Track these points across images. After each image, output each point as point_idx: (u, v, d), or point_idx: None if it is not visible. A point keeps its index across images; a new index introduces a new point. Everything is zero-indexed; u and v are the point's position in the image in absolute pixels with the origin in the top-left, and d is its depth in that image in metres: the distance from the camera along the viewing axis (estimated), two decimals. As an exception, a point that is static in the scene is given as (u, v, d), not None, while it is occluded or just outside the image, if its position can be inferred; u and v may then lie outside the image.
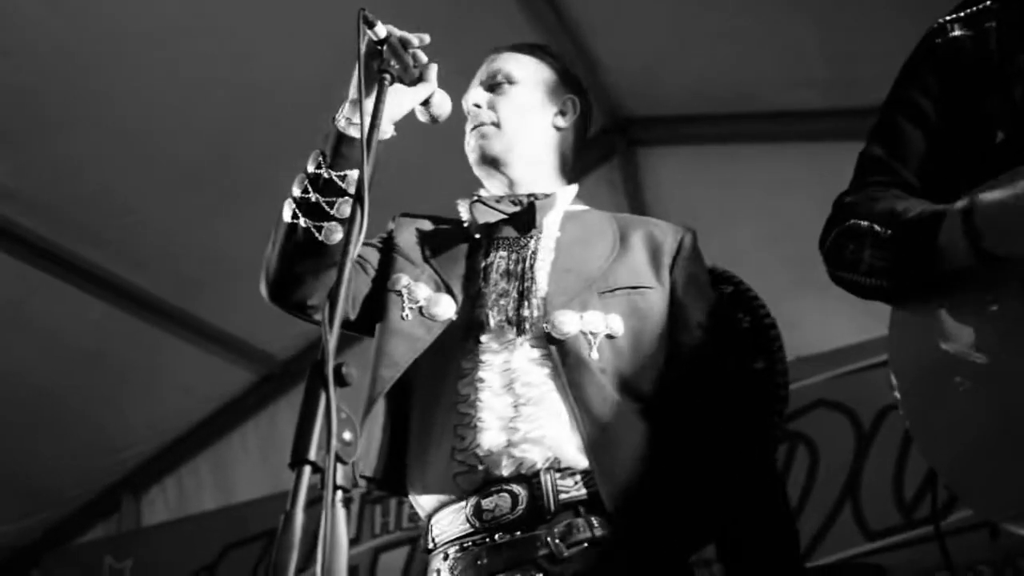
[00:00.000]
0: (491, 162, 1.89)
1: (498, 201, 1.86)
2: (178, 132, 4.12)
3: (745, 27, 4.25)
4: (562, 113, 1.98)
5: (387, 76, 1.59)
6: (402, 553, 4.93)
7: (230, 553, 5.32)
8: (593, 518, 1.59)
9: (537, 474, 1.60)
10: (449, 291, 1.76)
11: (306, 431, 1.02)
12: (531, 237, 1.79)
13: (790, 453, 4.45)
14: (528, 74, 1.96)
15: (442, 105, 1.78)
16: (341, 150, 1.63)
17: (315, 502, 0.98)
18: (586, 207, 1.96)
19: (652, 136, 5.16)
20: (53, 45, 3.62)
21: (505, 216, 1.82)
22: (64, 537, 5.72)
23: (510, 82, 1.93)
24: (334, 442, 1.00)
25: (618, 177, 5.17)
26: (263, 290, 1.75)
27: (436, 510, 1.69)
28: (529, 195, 1.86)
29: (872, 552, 4.10)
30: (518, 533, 1.59)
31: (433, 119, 1.79)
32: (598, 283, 1.75)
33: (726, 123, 4.93)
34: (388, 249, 1.87)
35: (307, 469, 1.00)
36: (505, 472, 1.61)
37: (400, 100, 1.69)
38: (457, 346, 1.72)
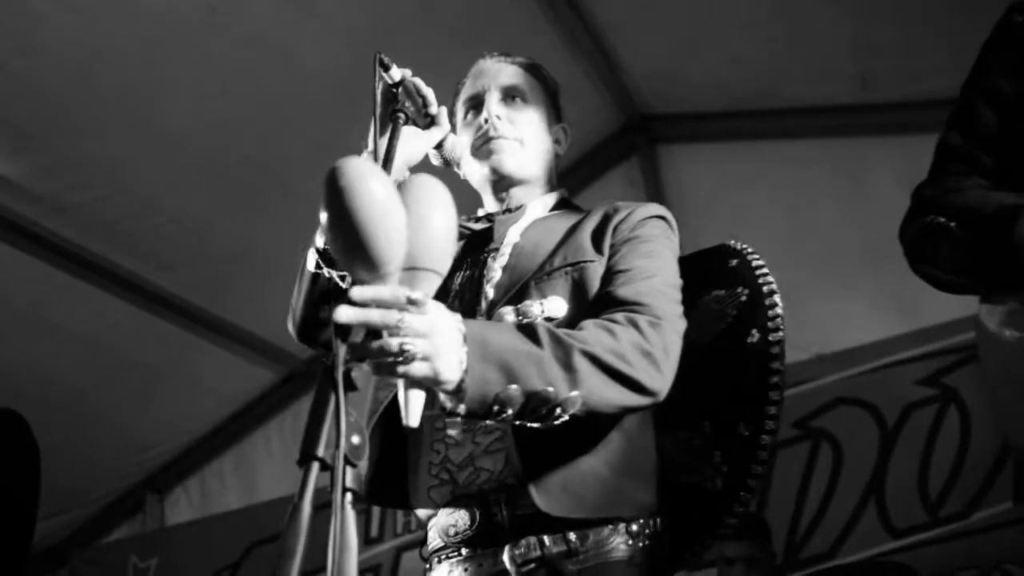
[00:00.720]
0: (503, 177, 1.90)
1: (476, 221, 1.91)
2: (204, 133, 4.14)
3: (766, 22, 4.23)
4: (557, 141, 2.03)
5: (401, 116, 1.65)
6: (424, 552, 4.95)
7: (253, 552, 5.35)
8: (545, 535, 1.57)
9: (496, 488, 1.62)
10: None
11: (315, 430, 1.03)
12: (487, 254, 1.82)
13: (813, 451, 4.42)
14: (538, 96, 1.99)
15: (455, 149, 1.82)
16: None
17: (326, 506, 0.99)
18: (561, 211, 1.93)
19: (673, 133, 5.15)
20: (74, 46, 3.65)
21: (469, 232, 1.88)
22: (90, 537, 5.77)
23: (524, 100, 1.95)
24: (343, 442, 1.01)
25: (638, 175, 5.16)
26: (292, 332, 1.82)
27: (428, 519, 1.73)
28: (504, 210, 1.90)
29: (897, 550, 4.07)
30: (479, 549, 1.61)
31: (447, 163, 1.84)
32: (536, 273, 1.73)
33: (747, 119, 4.91)
34: None
35: (315, 465, 1.02)
36: (468, 486, 1.64)
37: (414, 144, 1.72)
38: None
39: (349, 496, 1.03)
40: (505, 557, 1.58)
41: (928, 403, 4.27)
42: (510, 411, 1.40)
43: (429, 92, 1.71)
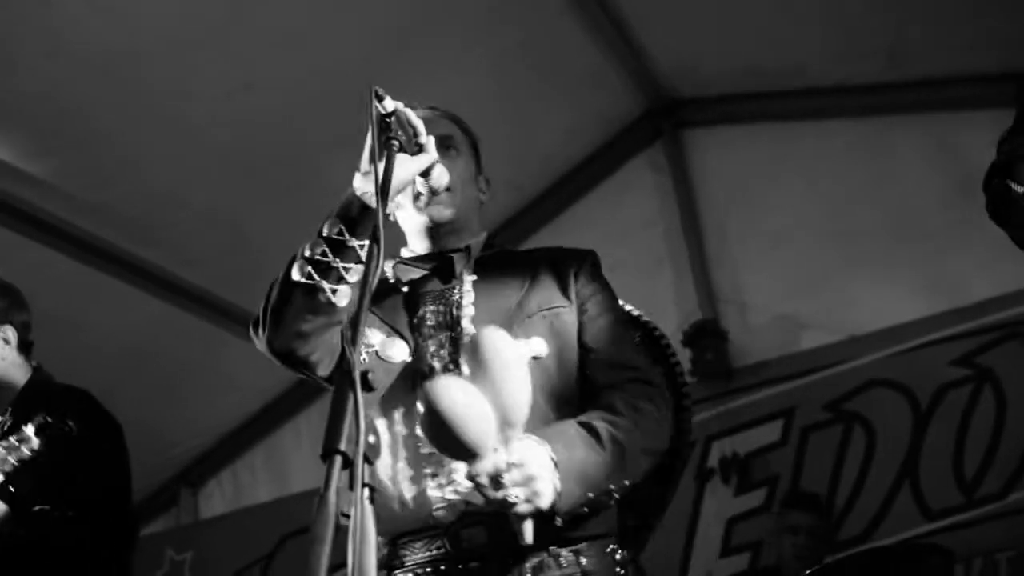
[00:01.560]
0: (436, 226, 1.98)
1: (417, 259, 1.99)
2: (229, 128, 4.16)
3: (791, 1, 4.19)
4: (481, 191, 2.12)
5: (395, 144, 1.71)
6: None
7: (287, 543, 5.39)
8: (562, 554, 1.69)
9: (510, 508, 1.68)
10: (402, 336, 1.87)
11: (335, 426, 1.10)
12: (453, 288, 1.92)
13: (846, 433, 4.39)
14: (465, 146, 2.08)
15: (441, 178, 1.88)
16: (363, 219, 1.72)
17: (342, 516, 1.03)
18: (494, 249, 2.06)
19: (698, 117, 5.12)
20: (100, 45, 3.67)
21: (426, 271, 1.96)
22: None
23: (456, 150, 2.04)
24: (362, 439, 1.07)
25: (663, 160, 5.13)
26: (263, 343, 1.82)
27: (403, 534, 1.77)
28: (449, 251, 1.98)
29: (933, 532, 4.04)
30: (490, 563, 1.69)
31: (433, 191, 1.90)
32: (515, 314, 1.86)
33: (773, 101, 4.88)
34: None
35: (338, 459, 1.08)
36: (483, 505, 1.67)
37: (404, 169, 1.76)
38: (408, 392, 1.80)
39: (367, 491, 1.09)
40: (524, 572, 1.67)
41: (962, 384, 4.23)
42: (586, 510, 1.68)
43: (419, 123, 1.77)
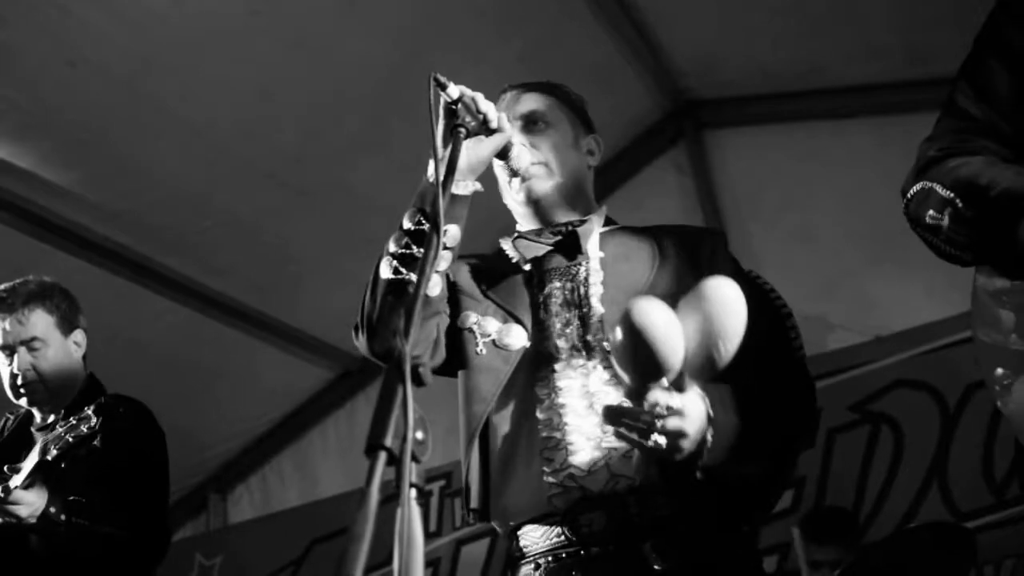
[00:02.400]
0: (536, 202, 1.94)
1: (538, 234, 1.94)
2: (250, 135, 4.19)
3: (807, 1, 4.18)
4: (590, 152, 2.07)
5: (462, 131, 1.69)
6: (483, 545, 4.97)
7: (315, 548, 5.42)
8: (684, 534, 1.66)
9: (631, 490, 1.68)
10: (518, 321, 1.84)
11: (382, 421, 1.07)
12: (579, 264, 1.88)
13: (873, 435, 4.36)
14: (559, 116, 2.02)
15: (520, 158, 1.87)
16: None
17: (390, 499, 1.01)
18: (615, 224, 2.02)
19: (719, 117, 5.11)
20: (121, 55, 3.71)
21: (550, 247, 1.91)
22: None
23: (546, 123, 1.99)
24: (410, 435, 1.04)
25: (685, 160, 5.13)
26: (364, 346, 1.79)
27: (522, 524, 1.76)
28: (566, 224, 1.94)
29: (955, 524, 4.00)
30: (612, 548, 1.66)
31: (513, 172, 1.89)
32: (647, 294, 1.80)
33: (795, 100, 4.86)
34: (451, 291, 1.94)
35: (382, 455, 1.05)
36: (602, 489, 1.68)
37: (479, 150, 1.76)
38: (527, 375, 1.80)
39: (413, 491, 1.05)
40: (649, 553, 1.63)
41: (991, 383, 4.19)
42: (722, 473, 1.65)
43: (488, 106, 1.75)
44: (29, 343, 2.76)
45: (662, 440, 1.51)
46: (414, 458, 1.04)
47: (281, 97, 4.10)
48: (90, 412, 2.51)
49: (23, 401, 2.81)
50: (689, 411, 1.54)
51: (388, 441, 1.04)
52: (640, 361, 1.49)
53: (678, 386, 1.54)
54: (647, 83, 4.82)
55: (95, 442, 2.54)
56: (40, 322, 2.79)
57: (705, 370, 1.54)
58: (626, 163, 5.11)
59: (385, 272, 1.71)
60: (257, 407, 5.65)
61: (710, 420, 1.58)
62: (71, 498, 2.55)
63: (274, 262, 4.80)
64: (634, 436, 1.53)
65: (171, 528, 2.86)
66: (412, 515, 1.02)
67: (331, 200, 4.49)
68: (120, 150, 4.06)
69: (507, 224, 2.05)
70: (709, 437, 1.57)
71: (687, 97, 5.05)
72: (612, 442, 1.68)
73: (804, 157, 4.82)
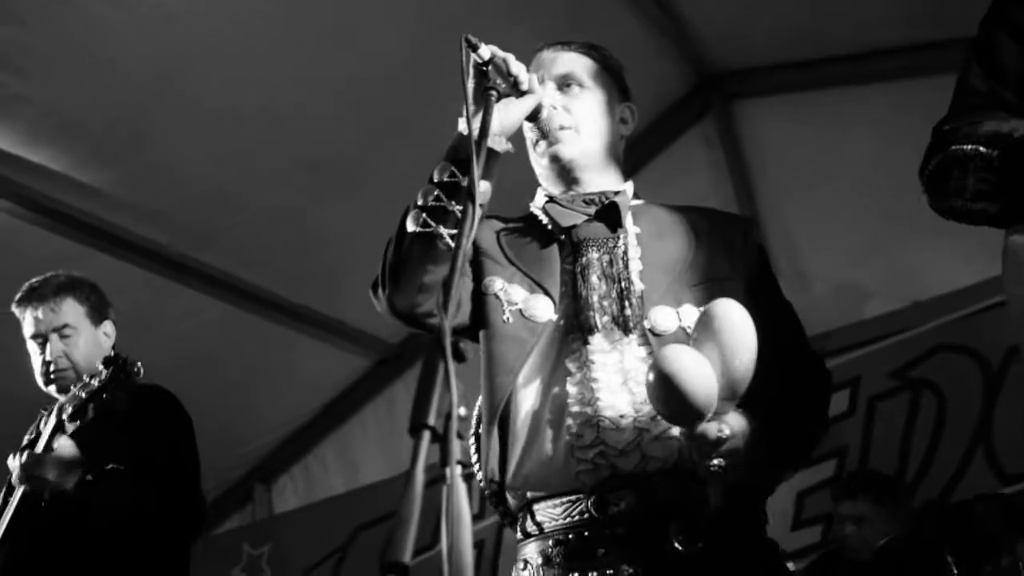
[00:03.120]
0: (563, 164, 1.89)
1: (571, 201, 1.87)
2: (279, 126, 4.22)
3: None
4: (623, 121, 2.00)
5: (494, 93, 1.67)
6: (527, 526, 4.99)
7: (360, 534, 5.47)
8: (712, 517, 1.62)
9: (662, 471, 1.65)
10: (546, 293, 1.78)
11: (424, 399, 1.06)
12: (618, 236, 1.82)
13: (915, 401, 4.32)
14: (596, 79, 1.95)
15: (551, 120, 1.84)
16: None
17: (436, 481, 1.00)
18: (642, 200, 1.96)
19: (747, 88, 5.06)
20: (149, 54, 3.74)
21: (588, 217, 1.85)
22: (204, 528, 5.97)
23: (581, 85, 1.92)
24: (454, 412, 1.02)
25: (714, 133, 5.09)
26: (385, 303, 1.74)
27: (538, 499, 1.72)
28: (600, 193, 1.88)
29: (1010, 496, 3.96)
30: (639, 528, 1.63)
31: (544, 133, 1.85)
32: (685, 276, 1.79)
33: (822, 67, 4.80)
34: (474, 252, 1.89)
35: (426, 435, 1.04)
36: (632, 469, 1.66)
37: (510, 112, 1.73)
38: (558, 348, 1.75)
39: (459, 469, 1.04)
40: (677, 534, 1.62)
41: (1034, 343, 4.14)
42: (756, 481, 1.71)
43: (519, 68, 1.72)
44: (61, 330, 2.83)
45: (718, 462, 1.56)
46: (459, 435, 1.03)
47: (310, 87, 4.11)
48: (99, 366, 2.60)
49: (53, 389, 2.86)
50: (737, 432, 1.58)
51: (431, 420, 1.03)
52: (676, 409, 1.54)
53: (719, 412, 1.58)
54: (672, 57, 4.79)
55: (107, 378, 2.60)
56: (71, 311, 2.86)
57: (731, 392, 1.57)
58: (653, 140, 5.08)
59: (412, 225, 1.67)
60: (297, 398, 5.70)
61: (755, 440, 1.62)
62: (105, 465, 2.61)
63: (308, 253, 4.83)
64: (703, 464, 1.58)
65: (205, 505, 2.90)
66: (459, 493, 1.02)
67: (362, 188, 4.50)
68: (152, 149, 4.10)
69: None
70: (752, 457, 1.62)
71: (713, 69, 5.01)
72: (645, 422, 1.66)
73: (835, 124, 4.76)
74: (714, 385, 1.53)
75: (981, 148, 1.55)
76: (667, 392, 1.51)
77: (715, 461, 1.55)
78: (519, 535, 1.75)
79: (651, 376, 1.53)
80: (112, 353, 2.72)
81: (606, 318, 1.74)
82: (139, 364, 2.65)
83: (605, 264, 1.79)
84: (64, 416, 2.65)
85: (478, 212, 1.37)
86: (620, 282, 1.76)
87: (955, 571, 2.92)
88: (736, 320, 1.56)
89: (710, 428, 1.54)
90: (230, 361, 5.18)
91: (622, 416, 1.67)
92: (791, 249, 4.77)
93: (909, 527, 3.46)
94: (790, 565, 3.42)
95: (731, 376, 1.55)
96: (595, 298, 1.75)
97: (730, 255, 1.83)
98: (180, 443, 2.82)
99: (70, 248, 4.23)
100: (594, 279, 1.77)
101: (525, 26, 4.09)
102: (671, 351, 1.54)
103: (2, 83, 3.61)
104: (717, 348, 1.54)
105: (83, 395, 2.62)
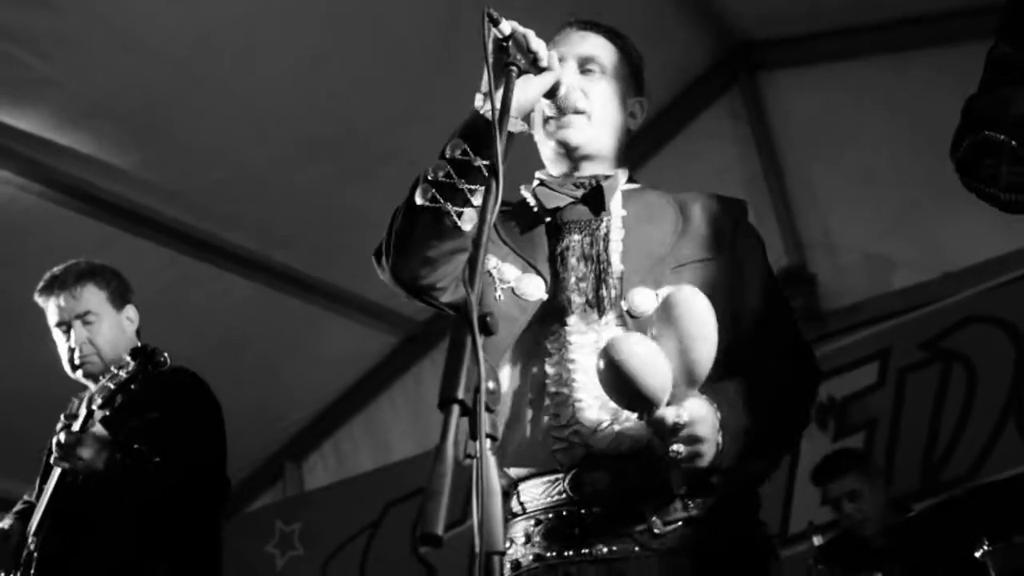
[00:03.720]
0: (571, 149, 1.88)
1: (561, 184, 1.88)
2: (302, 106, 4.23)
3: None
4: (632, 115, 1.98)
5: (514, 69, 1.65)
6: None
7: (391, 510, 5.52)
8: (689, 499, 1.64)
9: (636, 452, 1.65)
10: (538, 272, 1.79)
11: (453, 373, 1.06)
12: (601, 219, 1.82)
13: (945, 373, 4.30)
14: (616, 68, 1.94)
15: (568, 98, 1.82)
16: (487, 137, 1.60)
17: (465, 458, 1.01)
18: (638, 185, 1.96)
19: (774, 59, 5.01)
20: (172, 36, 3.76)
21: (574, 199, 1.85)
22: (236, 507, 6.04)
23: (602, 72, 1.91)
24: (483, 386, 1.03)
25: (740, 106, 5.04)
26: (387, 272, 1.76)
27: (523, 479, 1.74)
28: (591, 177, 1.88)
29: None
30: (614, 508, 1.64)
31: (561, 111, 1.84)
32: (668, 259, 1.78)
33: (849, 37, 4.74)
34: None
35: (456, 408, 1.04)
36: (606, 448, 1.66)
37: (527, 90, 1.71)
38: (538, 328, 1.76)
39: (489, 442, 1.05)
40: (651, 515, 1.63)
41: (1066, 312, 4.10)
42: (735, 468, 1.65)
43: (539, 45, 1.70)
44: (83, 316, 2.87)
45: (679, 448, 1.53)
46: (488, 408, 1.04)
47: (334, 67, 4.12)
48: (127, 358, 2.63)
49: (79, 375, 2.91)
50: (697, 417, 1.54)
51: (460, 394, 1.03)
52: (628, 396, 1.51)
53: (676, 399, 1.54)
54: (696, 29, 4.74)
55: (135, 370, 2.64)
56: (93, 297, 2.90)
57: (691, 378, 1.54)
58: (679, 113, 5.04)
59: (420, 199, 1.67)
60: (326, 376, 5.74)
61: (721, 424, 1.57)
62: (132, 445, 2.67)
63: (334, 231, 4.84)
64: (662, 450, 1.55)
65: (227, 482, 2.95)
66: (489, 465, 1.02)
67: (388, 165, 4.50)
68: (178, 130, 4.13)
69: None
70: (719, 440, 1.57)
71: (738, 39, 4.96)
72: None
73: (863, 93, 4.71)
74: (666, 372, 1.51)
75: (1012, 141, 1.52)
76: (618, 380, 1.49)
77: (674, 447, 1.53)
78: (508, 515, 1.76)
79: (600, 364, 1.51)
80: (139, 344, 2.76)
81: (581, 299, 1.74)
82: (166, 354, 2.68)
83: (586, 246, 1.79)
84: (94, 406, 2.69)
85: (501, 188, 1.37)
86: (599, 263, 1.76)
87: (987, 547, 2.91)
88: (696, 307, 1.54)
89: (668, 413, 1.52)
90: (259, 340, 5.22)
91: (597, 396, 1.66)
92: (819, 220, 4.74)
93: (941, 502, 3.44)
94: (816, 540, 3.43)
95: (689, 363, 1.52)
96: (572, 279, 1.76)
97: (718, 239, 1.82)
98: (206, 424, 2.86)
99: (100, 230, 4.27)
100: (573, 260, 1.78)
101: (549, 8, 4.06)
102: (620, 339, 1.52)
103: (30, 67, 3.63)
104: (676, 334, 1.52)
105: (112, 386, 2.66)
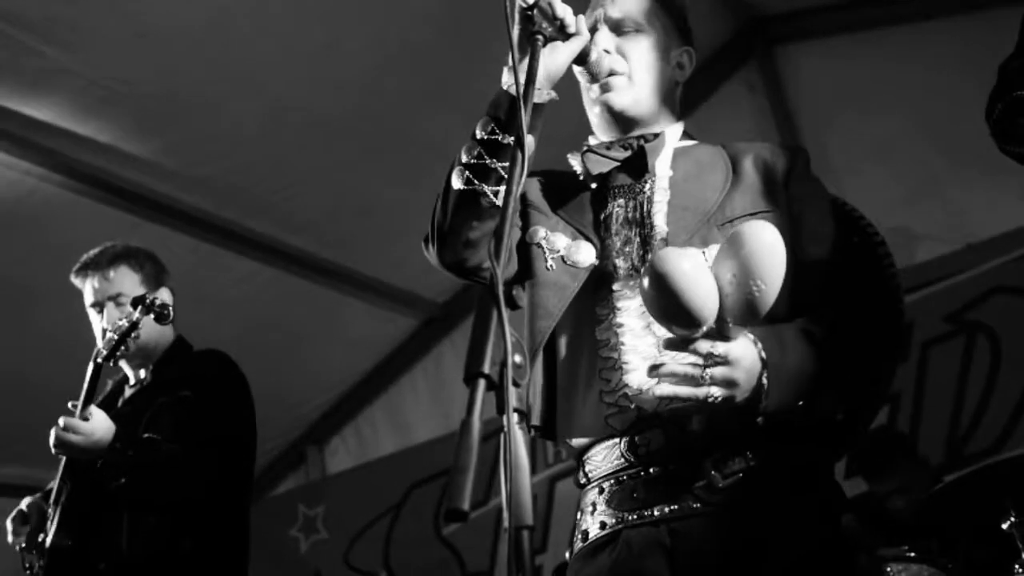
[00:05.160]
0: (616, 114, 1.86)
1: (608, 148, 1.85)
2: (319, 92, 4.22)
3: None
4: (680, 66, 1.95)
5: (540, 37, 1.63)
6: (578, 480, 5.02)
7: (413, 492, 5.55)
8: (748, 450, 1.61)
9: (686, 408, 1.61)
10: (587, 238, 1.79)
11: (479, 348, 1.05)
12: (645, 181, 1.80)
13: (969, 345, 4.26)
14: (654, 22, 1.90)
15: (600, 63, 1.80)
16: (514, 114, 1.61)
17: (493, 434, 1.00)
18: (694, 141, 1.92)
19: (791, 31, 4.97)
20: (184, 22, 3.75)
21: (617, 163, 1.83)
22: (260, 491, 6.08)
23: (638, 30, 1.87)
24: (509, 360, 1.02)
25: (758, 79, 5.01)
26: (435, 257, 1.76)
27: (587, 447, 1.74)
28: (638, 137, 1.85)
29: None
30: (672, 466, 1.62)
31: (593, 77, 1.82)
32: (716, 216, 1.74)
33: (869, 7, 4.69)
34: (522, 205, 1.89)
35: (481, 383, 1.03)
36: (656, 408, 1.65)
37: (556, 58, 1.70)
38: (589, 294, 1.75)
39: (516, 416, 1.04)
40: (709, 470, 1.60)
41: (1092, 282, 4.06)
42: (792, 416, 1.59)
43: (565, 10, 1.68)
44: (116, 298, 2.90)
45: (716, 391, 1.49)
46: (514, 383, 1.03)
47: (350, 51, 4.11)
48: (130, 308, 2.75)
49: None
50: (737, 357, 1.50)
51: (487, 368, 1.03)
52: (669, 311, 1.47)
53: (723, 334, 1.50)
54: (713, 4, 4.71)
55: (137, 317, 2.73)
56: (126, 279, 2.93)
57: (746, 314, 1.49)
58: (696, 87, 4.98)
59: (457, 183, 1.67)
60: (346, 360, 5.76)
61: (764, 364, 1.52)
62: (143, 436, 2.69)
63: (352, 216, 4.85)
64: (685, 393, 1.50)
65: (252, 462, 2.98)
66: (517, 440, 1.02)
67: (406, 150, 4.50)
68: (195, 117, 4.13)
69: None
70: (765, 381, 1.52)
71: (754, 13, 4.92)
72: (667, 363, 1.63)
73: (882, 66, 4.66)
74: (712, 293, 1.46)
75: None
76: (657, 291, 1.45)
77: (705, 389, 1.49)
78: (577, 485, 1.77)
79: (645, 278, 1.48)
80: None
81: (627, 264, 1.73)
82: (169, 306, 2.77)
83: (629, 210, 1.78)
84: (99, 359, 2.76)
85: (527, 161, 1.36)
86: (643, 227, 1.75)
87: (1013, 518, 2.89)
88: (763, 242, 1.48)
89: (702, 344, 1.48)
90: (280, 326, 5.24)
91: (645, 358, 1.65)
92: (837, 193, 4.68)
93: (967, 474, 3.42)
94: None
95: (747, 297, 1.47)
96: (618, 244, 1.75)
97: (772, 188, 1.78)
98: (236, 402, 2.89)
99: (120, 219, 4.29)
100: (616, 226, 1.77)
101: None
102: (668, 252, 1.49)
103: (48, 57, 3.64)
104: (734, 266, 1.47)
105: (116, 336, 2.73)
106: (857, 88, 4.74)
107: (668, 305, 1.46)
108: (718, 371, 1.49)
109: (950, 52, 4.45)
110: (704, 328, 1.48)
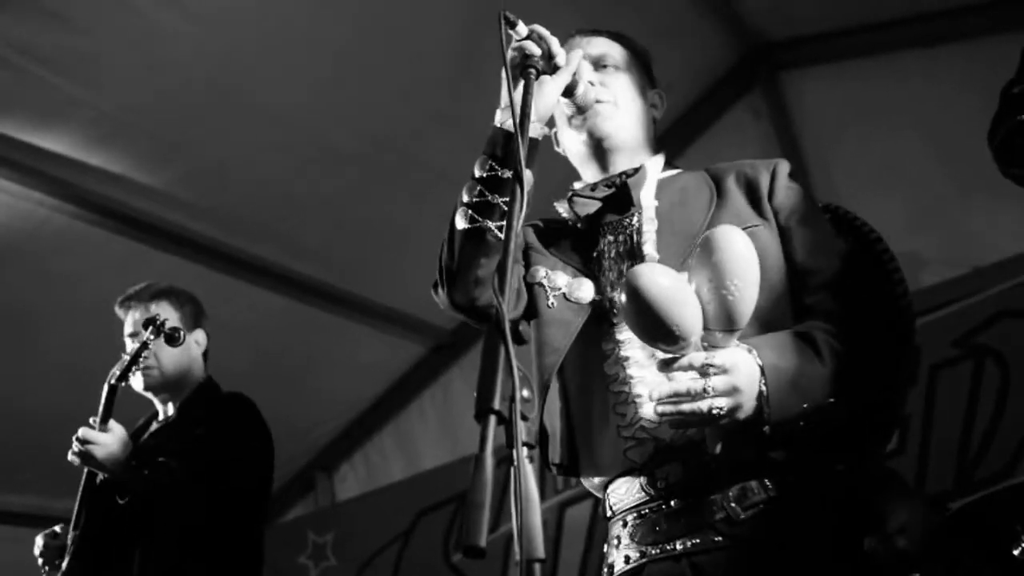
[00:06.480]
0: (599, 141, 1.90)
1: (593, 189, 1.89)
2: (325, 119, 4.26)
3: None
4: (654, 105, 2.02)
5: (532, 71, 1.67)
6: (587, 507, 5.00)
7: (422, 519, 5.53)
8: (766, 479, 1.60)
9: (704, 439, 1.62)
10: (587, 275, 1.82)
11: (488, 383, 1.07)
12: (632, 215, 1.84)
13: (977, 369, 4.25)
14: (628, 62, 1.98)
15: (587, 94, 1.84)
16: (510, 149, 1.67)
17: (502, 462, 1.01)
18: (677, 170, 1.96)
19: (795, 58, 4.99)
20: (195, 53, 3.80)
21: (601, 203, 1.87)
22: (269, 517, 6.08)
23: (616, 67, 1.95)
24: (518, 395, 1.03)
25: (762, 105, 5.03)
26: (445, 299, 1.78)
27: (610, 481, 1.75)
28: (620, 175, 1.88)
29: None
30: (692, 499, 1.63)
31: (580, 109, 1.86)
32: (702, 236, 1.73)
33: (873, 33, 4.71)
34: (524, 246, 1.93)
35: (492, 419, 1.05)
36: (672, 439, 1.65)
37: (545, 92, 1.74)
38: (593, 331, 1.78)
39: (525, 450, 1.05)
40: (729, 502, 1.59)
41: (1100, 306, 4.04)
42: (802, 423, 1.56)
43: (553, 41, 1.72)
44: None
45: (720, 402, 1.47)
46: (523, 417, 1.05)
47: (357, 80, 4.15)
48: (141, 328, 2.85)
49: (139, 385, 2.99)
50: (733, 363, 1.49)
51: (496, 404, 1.04)
52: (648, 326, 1.46)
53: (714, 346, 1.49)
54: (717, 29, 4.74)
55: (150, 337, 2.83)
56: (164, 314, 3.01)
57: (729, 317, 1.48)
58: (701, 114, 5.03)
59: (461, 223, 1.70)
60: (355, 387, 5.77)
61: (762, 369, 1.51)
62: (159, 459, 2.75)
63: (359, 243, 4.87)
64: (688, 408, 1.48)
65: (265, 498, 3.04)
66: (527, 474, 1.03)
67: (411, 176, 4.53)
68: (205, 146, 4.17)
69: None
70: (763, 387, 1.51)
71: (758, 39, 4.95)
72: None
73: (886, 90, 4.68)
74: (693, 305, 1.45)
75: None
76: (638, 310, 1.44)
77: (714, 405, 1.46)
78: (603, 518, 1.79)
79: (622, 295, 1.48)
80: (204, 367, 2.94)
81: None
82: (180, 330, 2.88)
83: (620, 245, 1.82)
84: (113, 380, 2.81)
85: (526, 196, 1.39)
86: (634, 259, 1.78)
87: (1024, 541, 2.88)
88: (734, 247, 1.48)
89: (695, 356, 1.48)
90: (288, 353, 5.25)
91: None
92: (845, 220, 4.71)
93: (977, 499, 3.41)
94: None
95: (725, 304, 1.46)
96: (612, 279, 1.78)
97: (756, 203, 1.80)
98: (248, 445, 2.92)
99: (130, 248, 4.32)
100: (607, 262, 1.81)
101: (571, 12, 4.08)
102: (642, 267, 1.50)
103: (58, 88, 3.68)
104: (709, 273, 1.47)
105: (127, 357, 2.82)
106: (862, 113, 4.76)
107: (647, 321, 1.45)
108: (718, 380, 1.48)
109: (955, 77, 4.47)
110: (691, 342, 1.47)
